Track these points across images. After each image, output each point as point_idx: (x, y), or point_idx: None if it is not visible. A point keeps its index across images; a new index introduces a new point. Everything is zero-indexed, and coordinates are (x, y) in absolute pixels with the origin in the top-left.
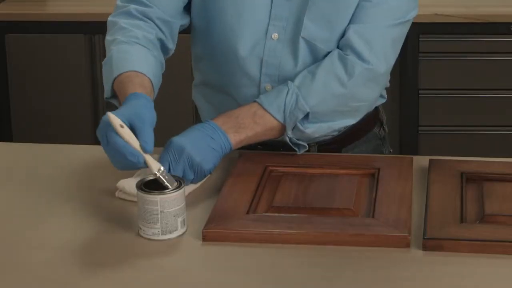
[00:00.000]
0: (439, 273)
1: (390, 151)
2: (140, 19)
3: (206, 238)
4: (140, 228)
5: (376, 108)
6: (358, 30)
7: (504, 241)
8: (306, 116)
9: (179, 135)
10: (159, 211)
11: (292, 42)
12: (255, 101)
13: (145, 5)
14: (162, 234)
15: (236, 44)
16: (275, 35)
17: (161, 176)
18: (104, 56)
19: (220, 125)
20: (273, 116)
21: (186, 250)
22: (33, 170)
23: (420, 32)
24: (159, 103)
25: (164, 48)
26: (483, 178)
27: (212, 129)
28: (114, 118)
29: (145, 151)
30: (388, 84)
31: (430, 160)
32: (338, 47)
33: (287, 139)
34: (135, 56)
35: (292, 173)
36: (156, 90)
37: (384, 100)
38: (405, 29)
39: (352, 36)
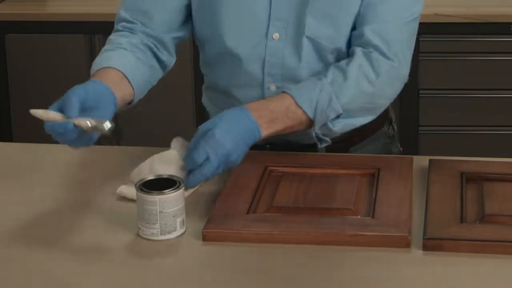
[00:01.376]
0: (439, 273)
1: (400, 150)
2: (127, 31)
3: (206, 238)
4: (140, 228)
5: None
6: (375, 30)
7: (504, 241)
8: (337, 115)
9: (221, 130)
10: (158, 211)
11: (294, 41)
12: (286, 93)
13: (131, 22)
14: (161, 234)
15: (237, 46)
16: (276, 35)
17: (90, 123)
18: None
19: (257, 118)
20: (304, 112)
21: (186, 250)
22: (33, 170)
23: (420, 32)
24: (159, 104)
25: (157, 58)
26: (483, 178)
27: (249, 122)
28: (35, 112)
29: (67, 117)
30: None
31: (430, 160)
32: (357, 46)
33: (313, 135)
34: (111, 56)
35: (292, 173)
36: (138, 84)
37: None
38: (416, 25)
39: (371, 35)
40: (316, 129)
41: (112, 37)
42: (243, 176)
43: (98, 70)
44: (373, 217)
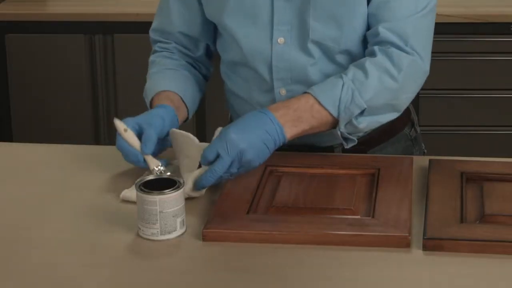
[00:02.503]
0: (439, 273)
1: (424, 152)
2: (166, 51)
3: (206, 238)
4: (140, 229)
5: (407, 108)
6: (390, 28)
7: (504, 241)
8: (362, 111)
9: (236, 129)
10: (158, 211)
11: (301, 44)
12: (308, 93)
13: (165, 42)
14: (161, 234)
15: (243, 51)
16: (281, 40)
17: (157, 172)
18: (104, 55)
19: (278, 118)
20: (328, 111)
21: (186, 250)
22: (33, 170)
23: None
24: None
25: (199, 71)
26: (483, 178)
27: (270, 122)
28: (118, 124)
29: (143, 152)
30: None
31: (430, 160)
32: (374, 45)
33: (339, 134)
34: (163, 79)
35: (292, 173)
36: (191, 101)
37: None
38: (432, 18)
39: (386, 33)
40: (342, 128)
41: (154, 58)
42: (243, 176)
43: (157, 93)
44: (373, 217)
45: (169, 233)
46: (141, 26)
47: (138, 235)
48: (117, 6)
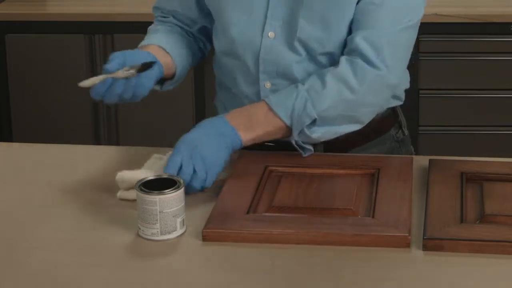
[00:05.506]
0: (439, 273)
1: (412, 153)
2: (162, 23)
3: (206, 238)
4: (140, 229)
5: (393, 109)
6: (366, 36)
7: (504, 241)
8: (314, 121)
9: (191, 132)
10: (158, 211)
11: (289, 41)
12: (264, 100)
13: (164, 17)
14: (161, 234)
15: (234, 40)
16: (271, 34)
17: (126, 72)
18: (104, 55)
19: (230, 121)
20: (281, 119)
21: (186, 250)
22: (33, 170)
23: (420, 32)
24: (159, 104)
25: (195, 41)
26: (483, 178)
27: (224, 125)
28: (83, 84)
29: (105, 71)
30: (408, 85)
31: (430, 160)
32: (345, 53)
33: (293, 142)
34: (151, 38)
35: (292, 173)
36: (177, 54)
37: (400, 102)
38: (413, 33)
39: (360, 42)
40: (295, 136)
41: (150, 27)
42: (243, 176)
43: (141, 46)
44: (373, 217)
45: (169, 233)
46: (141, 26)
47: (138, 235)
48: (117, 6)
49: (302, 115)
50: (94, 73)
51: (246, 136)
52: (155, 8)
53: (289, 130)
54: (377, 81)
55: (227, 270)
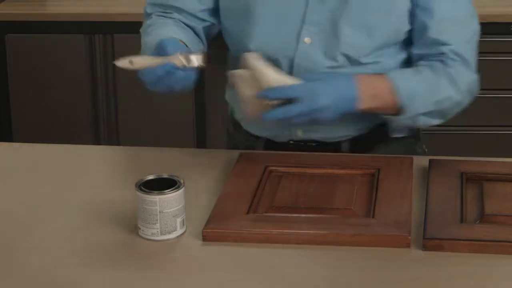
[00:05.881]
0: (439, 273)
1: (425, 151)
2: (163, 17)
3: (206, 238)
4: (140, 228)
5: None
6: (454, 50)
7: (504, 241)
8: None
9: (324, 85)
10: (158, 211)
11: (327, 48)
12: (388, 76)
13: (164, 12)
14: (161, 234)
15: (265, 44)
16: (307, 39)
17: (184, 59)
18: (104, 55)
19: (362, 92)
20: (399, 98)
21: (186, 250)
22: (33, 170)
23: None
24: (159, 104)
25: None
26: (483, 178)
27: (355, 91)
28: (121, 62)
29: (163, 53)
30: None
31: (430, 160)
32: (434, 60)
33: (398, 123)
34: (161, 30)
35: (292, 173)
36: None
37: None
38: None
39: (451, 55)
40: (402, 117)
41: (148, 22)
42: (243, 176)
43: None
44: (373, 217)
45: (169, 233)
46: (141, 26)
47: (138, 235)
48: (117, 6)
49: (422, 102)
50: (94, 73)
51: (365, 104)
52: (153, 5)
53: (398, 111)
54: (473, 85)
55: (227, 270)
